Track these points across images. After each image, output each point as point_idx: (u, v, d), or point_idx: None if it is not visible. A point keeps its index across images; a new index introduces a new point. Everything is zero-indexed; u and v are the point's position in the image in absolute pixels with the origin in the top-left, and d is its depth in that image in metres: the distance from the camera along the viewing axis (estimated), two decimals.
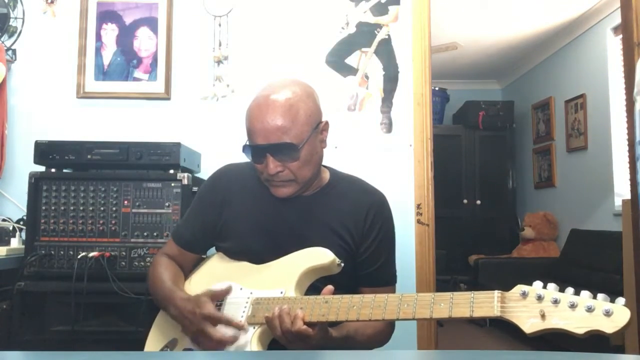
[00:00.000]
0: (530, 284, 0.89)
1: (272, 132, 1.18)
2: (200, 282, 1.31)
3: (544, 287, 0.88)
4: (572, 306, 0.82)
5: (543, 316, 0.84)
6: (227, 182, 1.36)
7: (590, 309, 0.81)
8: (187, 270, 1.37)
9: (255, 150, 1.21)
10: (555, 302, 0.84)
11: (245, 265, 1.26)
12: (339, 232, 1.27)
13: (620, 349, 2.67)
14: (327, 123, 1.29)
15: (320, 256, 1.17)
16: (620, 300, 0.81)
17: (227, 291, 1.20)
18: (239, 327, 1.12)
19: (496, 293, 0.90)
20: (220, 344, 1.11)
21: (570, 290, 0.85)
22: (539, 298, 0.86)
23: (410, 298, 0.99)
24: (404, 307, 0.99)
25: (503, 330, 4.24)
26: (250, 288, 1.20)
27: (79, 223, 1.82)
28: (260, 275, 1.22)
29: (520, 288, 0.89)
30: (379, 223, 1.31)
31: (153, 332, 1.33)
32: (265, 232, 1.27)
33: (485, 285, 4.44)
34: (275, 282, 1.18)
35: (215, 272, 1.30)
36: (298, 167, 1.21)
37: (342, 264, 1.17)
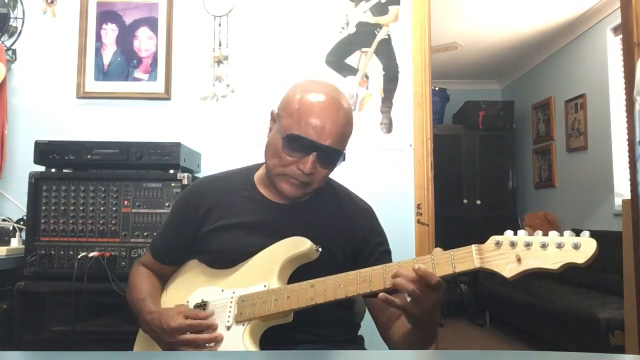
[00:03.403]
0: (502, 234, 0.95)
1: (332, 135, 1.15)
2: (177, 292, 1.28)
3: (515, 234, 0.93)
4: (544, 246, 0.88)
5: (519, 260, 0.90)
6: (206, 193, 1.30)
7: (560, 246, 0.87)
8: (166, 280, 1.35)
9: (305, 144, 1.14)
10: (528, 245, 0.90)
11: (222, 269, 1.25)
12: (328, 244, 1.22)
13: (620, 349, 2.67)
14: None
15: (298, 244, 1.16)
16: (585, 233, 0.87)
17: (206, 316, 1.17)
18: (208, 326, 1.13)
19: (473, 247, 0.95)
20: (206, 344, 1.11)
21: (539, 232, 0.91)
22: (512, 244, 0.91)
23: (393, 267, 1.01)
24: (389, 276, 1.00)
25: (503, 330, 4.24)
26: (232, 288, 1.19)
27: (79, 223, 1.83)
28: (238, 274, 1.21)
29: (494, 239, 0.94)
30: (374, 241, 1.29)
31: (139, 344, 1.30)
32: (255, 243, 1.22)
33: (486, 285, 4.45)
34: (256, 278, 1.17)
35: (192, 280, 1.28)
36: (324, 175, 1.21)
37: (320, 249, 1.16)
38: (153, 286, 1.31)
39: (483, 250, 0.94)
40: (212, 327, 1.14)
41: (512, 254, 0.91)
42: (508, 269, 0.91)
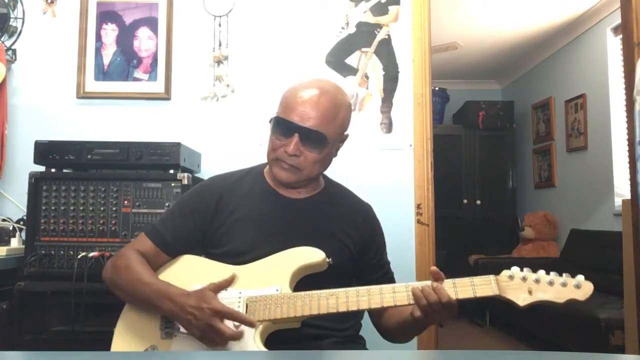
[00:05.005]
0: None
1: (311, 118, 1.21)
2: (174, 283, 1.23)
3: (521, 270, 1.09)
4: (550, 283, 1.06)
5: (530, 292, 1.06)
6: (220, 190, 1.32)
7: (564, 284, 1.05)
8: (154, 271, 1.30)
9: (287, 125, 1.22)
10: (537, 281, 1.06)
11: (223, 266, 1.24)
12: (339, 236, 1.30)
13: (620, 349, 2.66)
14: (347, 136, 1.34)
15: (312, 254, 1.20)
16: (581, 277, 1.06)
17: (231, 281, 1.18)
18: (250, 324, 1.11)
19: (492, 277, 1.09)
20: (229, 340, 1.10)
21: (542, 271, 1.08)
22: (524, 279, 1.08)
23: (417, 286, 1.11)
24: (411, 293, 1.11)
25: (503, 330, 4.24)
26: (238, 288, 1.18)
27: (79, 223, 1.83)
28: (246, 274, 1.21)
29: (506, 273, 1.09)
30: (377, 232, 1.38)
31: (122, 338, 1.26)
32: (268, 235, 1.26)
33: None
34: (267, 281, 1.18)
35: (190, 275, 1.25)
36: (313, 160, 1.24)
37: (331, 262, 1.21)
38: (156, 275, 1.27)
39: (499, 280, 1.09)
40: (253, 326, 1.11)
41: (525, 287, 1.07)
42: (522, 299, 1.06)
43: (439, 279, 1.11)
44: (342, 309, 1.11)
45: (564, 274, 1.06)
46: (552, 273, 1.07)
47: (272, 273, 1.19)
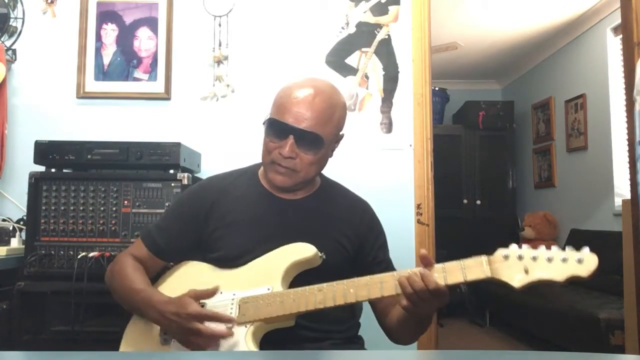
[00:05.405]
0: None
1: (306, 119, 1.18)
2: (172, 291, 1.23)
3: (520, 247, 0.99)
4: (549, 260, 0.96)
5: (527, 271, 0.97)
6: (215, 192, 1.31)
7: (565, 260, 0.95)
8: (152, 275, 1.31)
9: (281, 127, 1.19)
10: (534, 258, 0.97)
11: (222, 271, 1.24)
12: (336, 237, 1.28)
13: (620, 349, 2.66)
14: (342, 136, 1.32)
15: (303, 250, 1.18)
16: (586, 249, 0.95)
17: (214, 292, 1.16)
18: (228, 320, 1.10)
19: (483, 257, 1.01)
20: (212, 340, 1.09)
21: (542, 247, 0.98)
22: (520, 257, 0.98)
23: (404, 274, 1.05)
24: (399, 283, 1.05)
25: (503, 330, 4.24)
26: (232, 290, 1.18)
27: (79, 223, 1.83)
28: (239, 276, 1.20)
29: (501, 252, 1.00)
30: (375, 230, 1.35)
31: (125, 346, 1.27)
32: (264, 237, 1.24)
33: (486, 285, 4.44)
34: (259, 281, 1.17)
35: (188, 280, 1.25)
36: (309, 161, 1.22)
37: (324, 257, 1.19)
38: (148, 282, 1.28)
39: (492, 261, 1.00)
40: (232, 322, 1.11)
41: (520, 266, 0.97)
42: (517, 280, 0.97)
43: (429, 265, 1.04)
44: (330, 303, 1.08)
45: (567, 248, 0.96)
46: (553, 248, 0.97)
47: (265, 272, 1.18)
